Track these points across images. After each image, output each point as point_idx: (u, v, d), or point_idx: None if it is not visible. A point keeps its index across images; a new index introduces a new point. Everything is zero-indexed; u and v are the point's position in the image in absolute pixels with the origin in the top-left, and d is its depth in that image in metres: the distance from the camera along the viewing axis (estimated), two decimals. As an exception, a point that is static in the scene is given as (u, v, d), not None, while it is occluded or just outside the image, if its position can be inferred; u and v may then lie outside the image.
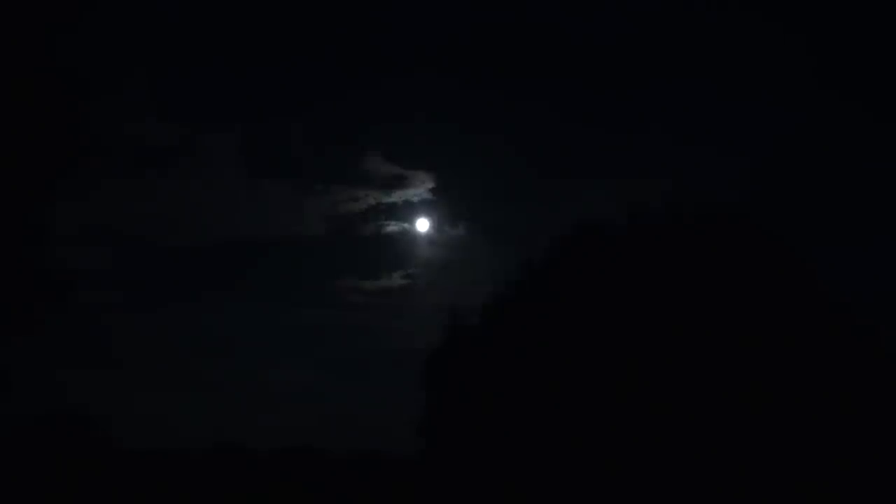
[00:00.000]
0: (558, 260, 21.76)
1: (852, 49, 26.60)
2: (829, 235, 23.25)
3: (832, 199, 26.37)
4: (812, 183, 27.11)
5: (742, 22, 28.01)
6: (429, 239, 32.91)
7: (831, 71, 26.89)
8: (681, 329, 18.62)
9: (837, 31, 26.84)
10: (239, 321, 32.22)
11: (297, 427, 27.40)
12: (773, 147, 28.31)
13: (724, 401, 17.78)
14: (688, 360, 18.32)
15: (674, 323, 18.74)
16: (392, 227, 33.07)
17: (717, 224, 20.07)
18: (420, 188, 32.89)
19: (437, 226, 33.26)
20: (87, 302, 26.67)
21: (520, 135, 32.86)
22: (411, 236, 33.15)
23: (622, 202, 21.60)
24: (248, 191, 33.61)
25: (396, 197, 32.93)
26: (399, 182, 33.00)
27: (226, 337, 31.60)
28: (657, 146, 30.16)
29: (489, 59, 31.78)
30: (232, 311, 32.07)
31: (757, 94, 29.22)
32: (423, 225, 33.37)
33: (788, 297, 18.79)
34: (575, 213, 24.99)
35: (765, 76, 28.97)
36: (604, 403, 18.81)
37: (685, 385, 18.14)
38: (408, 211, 33.13)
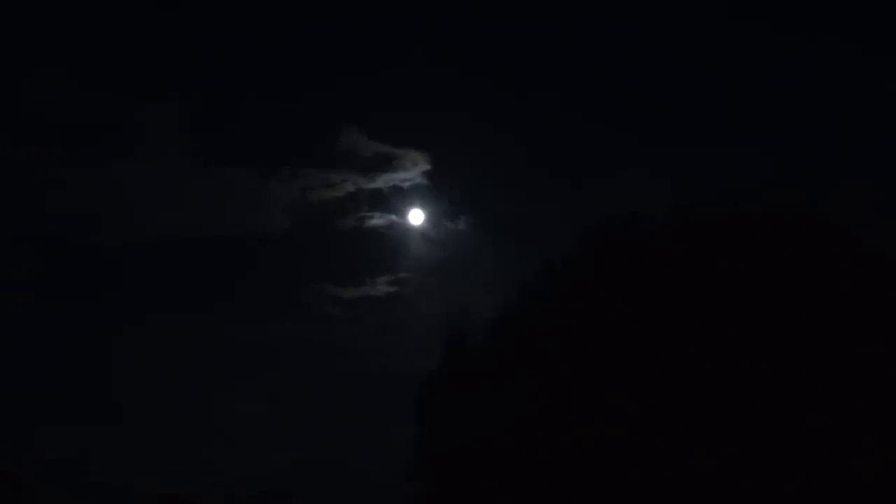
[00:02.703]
0: (585, 261, 21.47)
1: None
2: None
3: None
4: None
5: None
6: (423, 235, 31.66)
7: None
8: (743, 353, 18.01)
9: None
10: (184, 338, 30.28)
11: (256, 471, 26.64)
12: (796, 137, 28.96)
13: (800, 434, 17.36)
14: (752, 392, 17.76)
15: (734, 346, 18.16)
16: (377, 220, 31.80)
17: (779, 219, 19.90)
18: (412, 171, 31.72)
19: (432, 218, 31.74)
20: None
21: (532, 116, 31.97)
22: (401, 232, 31.91)
23: (651, 197, 21.87)
24: (193, 175, 31.64)
25: (382, 182, 31.80)
26: (385, 164, 31.69)
27: (166, 358, 30.07)
28: (678, 141, 30.30)
29: (496, 44, 31.64)
30: (175, 325, 30.01)
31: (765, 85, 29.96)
32: (415, 217, 31.71)
33: (871, 300, 18.36)
34: (601, 206, 24.76)
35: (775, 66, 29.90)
36: (643, 442, 18.29)
37: (747, 424, 17.67)
38: (397, 200, 31.82)
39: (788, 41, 28.73)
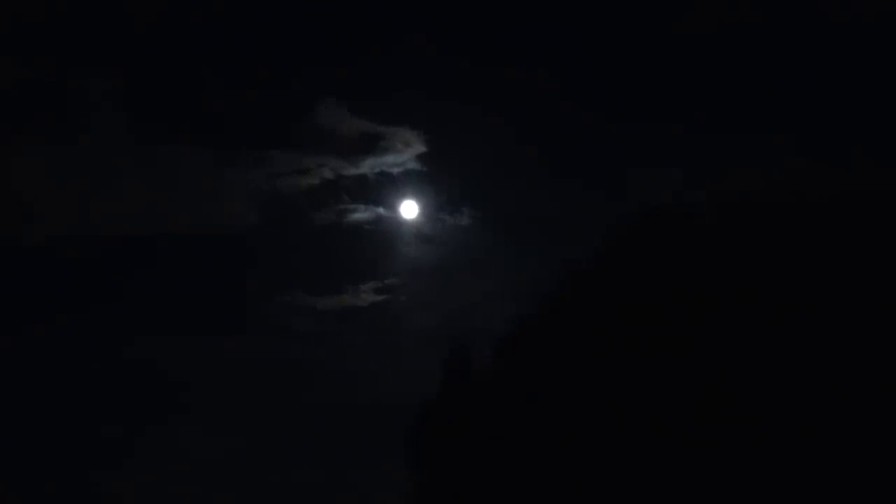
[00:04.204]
0: (614, 264, 20.93)
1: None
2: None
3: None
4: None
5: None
6: (417, 232, 31.64)
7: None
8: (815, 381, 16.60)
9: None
10: (124, 357, 29.82)
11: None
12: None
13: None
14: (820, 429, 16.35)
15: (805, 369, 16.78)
16: (361, 213, 31.04)
17: (850, 211, 18.75)
18: (403, 154, 30.79)
19: (428, 212, 31.71)
20: None
21: (545, 93, 31.52)
22: (390, 228, 31.56)
23: (683, 190, 21.41)
24: (134, 160, 30.98)
25: (367, 167, 30.91)
26: (371, 144, 30.75)
27: (103, 382, 29.34)
28: (713, 129, 29.99)
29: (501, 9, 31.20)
30: (112, 342, 29.42)
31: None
32: (408, 210, 31.32)
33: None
34: (627, 200, 25.28)
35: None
36: (691, 485, 17.14)
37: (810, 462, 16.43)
38: (385, 189, 31.10)
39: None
